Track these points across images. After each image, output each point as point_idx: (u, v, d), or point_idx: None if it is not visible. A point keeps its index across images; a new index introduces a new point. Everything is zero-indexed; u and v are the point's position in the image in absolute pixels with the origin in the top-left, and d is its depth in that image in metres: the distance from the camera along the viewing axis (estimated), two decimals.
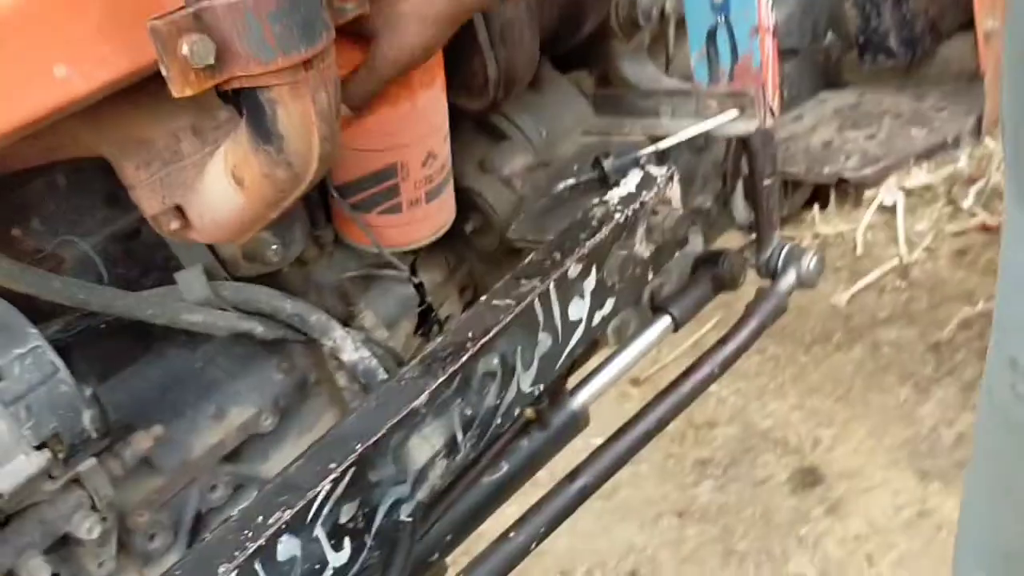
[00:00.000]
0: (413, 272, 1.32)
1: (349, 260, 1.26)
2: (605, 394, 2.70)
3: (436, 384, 0.98)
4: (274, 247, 1.08)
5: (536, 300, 1.07)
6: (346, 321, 1.23)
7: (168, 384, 1.12)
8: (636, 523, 2.28)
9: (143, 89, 0.80)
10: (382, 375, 1.10)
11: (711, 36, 1.19)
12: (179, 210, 0.90)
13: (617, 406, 2.54)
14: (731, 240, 1.59)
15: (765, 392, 2.50)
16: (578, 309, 1.13)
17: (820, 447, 2.30)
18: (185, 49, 0.65)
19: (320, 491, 0.89)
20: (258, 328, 1.06)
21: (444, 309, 1.39)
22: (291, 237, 1.11)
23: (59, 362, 0.86)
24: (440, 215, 1.17)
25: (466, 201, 1.29)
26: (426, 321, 1.37)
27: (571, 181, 1.22)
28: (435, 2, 0.90)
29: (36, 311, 0.96)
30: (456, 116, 1.23)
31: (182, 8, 0.65)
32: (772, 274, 1.41)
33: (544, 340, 1.09)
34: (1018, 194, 0.58)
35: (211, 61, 0.66)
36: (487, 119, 1.31)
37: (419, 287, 1.33)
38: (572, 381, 1.36)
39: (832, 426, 2.34)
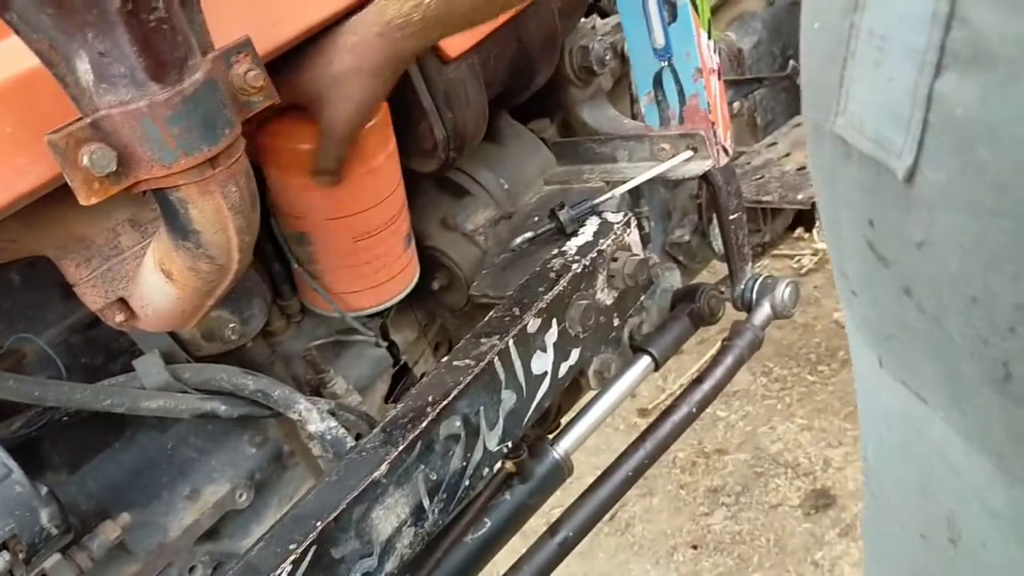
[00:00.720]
0: (384, 334, 1.32)
1: (317, 328, 1.27)
2: (615, 428, 2.69)
3: (396, 453, 0.98)
4: (232, 325, 1.09)
5: (496, 358, 1.06)
6: (318, 389, 1.23)
7: (141, 468, 1.12)
8: (651, 558, 2.26)
9: None
10: (350, 443, 1.10)
11: (657, 81, 1.18)
12: (123, 302, 0.91)
13: (627, 438, 2.53)
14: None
15: (773, 415, 2.48)
16: (542, 363, 1.12)
17: (831, 468, 2.28)
18: (85, 159, 0.66)
19: (281, 573, 0.89)
20: (221, 407, 1.06)
21: (420, 367, 1.39)
22: (250, 314, 1.11)
23: (12, 464, 0.87)
24: (398, 280, 1.17)
25: (431, 259, 1.30)
26: (403, 380, 1.37)
27: (529, 234, 1.22)
28: (371, 54, 0.91)
29: (1, 408, 0.98)
30: (416, 177, 1.24)
31: (79, 119, 0.66)
32: (747, 307, 1.40)
33: (508, 397, 1.09)
34: (847, 302, 0.57)
35: (113, 168, 0.66)
36: (448, 177, 1.32)
37: (391, 348, 1.33)
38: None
39: (842, 445, 2.31)
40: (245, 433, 1.18)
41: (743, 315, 1.44)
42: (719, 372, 1.32)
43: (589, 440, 1.32)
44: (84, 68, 0.64)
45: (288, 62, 0.91)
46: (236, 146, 0.72)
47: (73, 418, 1.04)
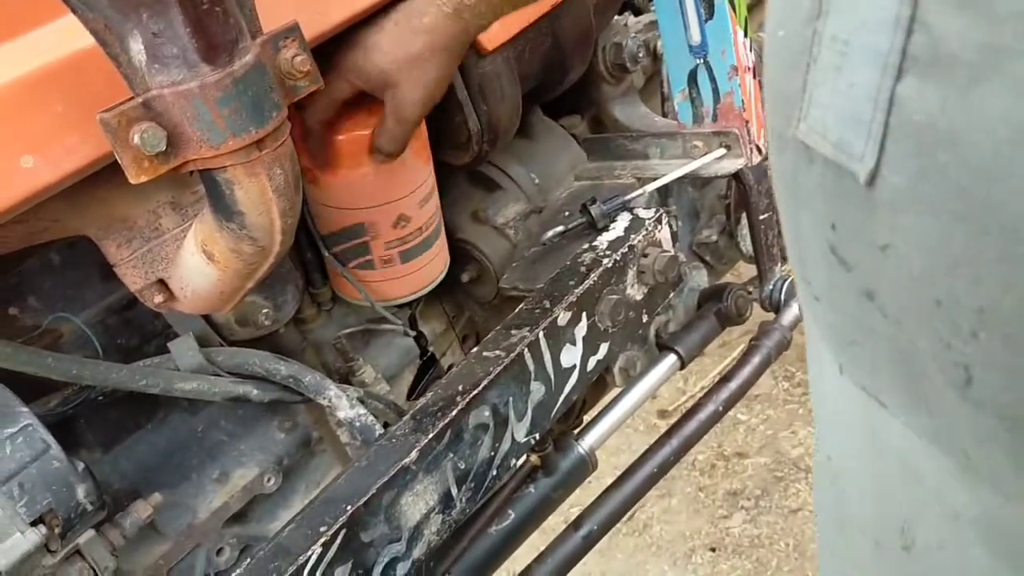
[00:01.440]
0: (412, 325, 1.33)
1: (348, 317, 1.28)
2: (635, 429, 2.69)
3: (426, 440, 0.99)
4: (265, 311, 1.10)
5: (526, 350, 1.07)
6: (347, 377, 1.25)
7: (171, 450, 1.14)
8: (669, 559, 2.26)
9: (120, 170, 0.83)
10: (379, 431, 1.11)
11: (692, 78, 1.19)
12: (162, 284, 0.92)
13: (647, 439, 2.53)
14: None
15: (795, 419, 2.47)
16: (571, 356, 1.13)
17: None
18: (136, 138, 0.67)
19: (311, 555, 0.90)
20: (253, 391, 1.07)
21: (447, 359, 1.40)
22: (283, 300, 1.13)
23: (50, 439, 0.88)
24: (425, 272, 1.18)
25: (461, 252, 1.31)
26: (430, 372, 1.38)
27: (560, 228, 1.22)
28: (445, 34, 0.92)
29: (38, 385, 0.99)
30: (448, 169, 1.24)
31: (131, 98, 0.67)
32: (775, 308, 1.40)
33: (537, 389, 1.10)
34: (810, 309, 0.57)
35: (163, 148, 0.68)
36: (479, 170, 1.33)
37: (419, 339, 1.34)
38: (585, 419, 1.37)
39: None
40: (275, 418, 1.19)
41: (767, 317, 1.44)
42: (746, 371, 1.33)
43: (609, 440, 1.33)
44: (137, 48, 0.65)
45: (351, 47, 0.92)
46: (282, 129, 0.74)
47: (108, 398, 1.05)
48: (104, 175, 0.83)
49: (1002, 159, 0.36)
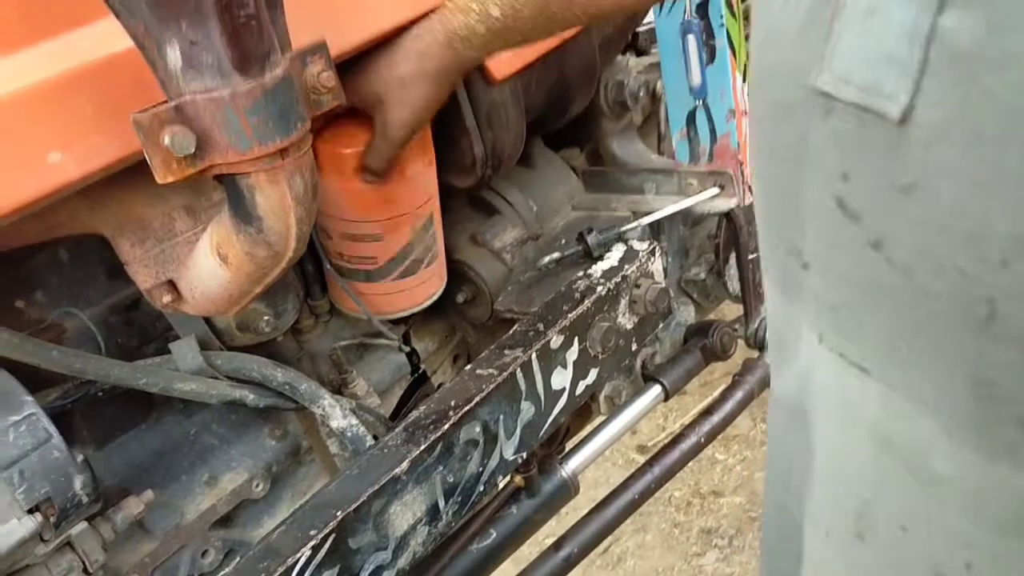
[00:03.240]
0: (406, 341, 1.36)
1: (343, 329, 1.30)
2: (614, 463, 2.70)
3: (417, 452, 1.01)
4: (266, 318, 1.13)
5: (518, 370, 1.10)
6: (339, 388, 1.27)
7: (163, 450, 1.16)
8: None
9: (140, 172, 0.85)
10: (370, 442, 1.13)
11: (691, 118, 1.23)
12: (171, 284, 0.95)
13: (626, 473, 2.55)
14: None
15: None
16: (561, 379, 1.16)
17: None
18: (167, 140, 0.70)
19: (300, 557, 0.92)
20: (249, 396, 1.09)
21: (438, 377, 1.43)
22: (283, 308, 1.15)
23: (52, 429, 0.90)
24: (429, 285, 1.21)
25: (458, 273, 1.34)
26: (417, 391, 1.40)
27: (556, 255, 1.26)
28: (435, 61, 0.95)
29: (38, 379, 1.01)
30: (450, 192, 1.28)
31: (165, 102, 0.70)
32: (760, 345, 1.44)
33: (527, 409, 1.13)
34: (793, 282, 0.55)
35: (192, 150, 0.71)
36: (480, 195, 1.37)
37: (412, 355, 1.37)
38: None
39: None
40: (266, 425, 1.21)
41: (751, 355, 1.48)
42: (728, 405, 1.36)
43: (588, 474, 1.35)
44: (174, 55, 0.68)
45: (351, 66, 0.96)
46: (305, 140, 0.77)
47: (105, 395, 1.07)
48: (123, 176, 0.86)
49: None
